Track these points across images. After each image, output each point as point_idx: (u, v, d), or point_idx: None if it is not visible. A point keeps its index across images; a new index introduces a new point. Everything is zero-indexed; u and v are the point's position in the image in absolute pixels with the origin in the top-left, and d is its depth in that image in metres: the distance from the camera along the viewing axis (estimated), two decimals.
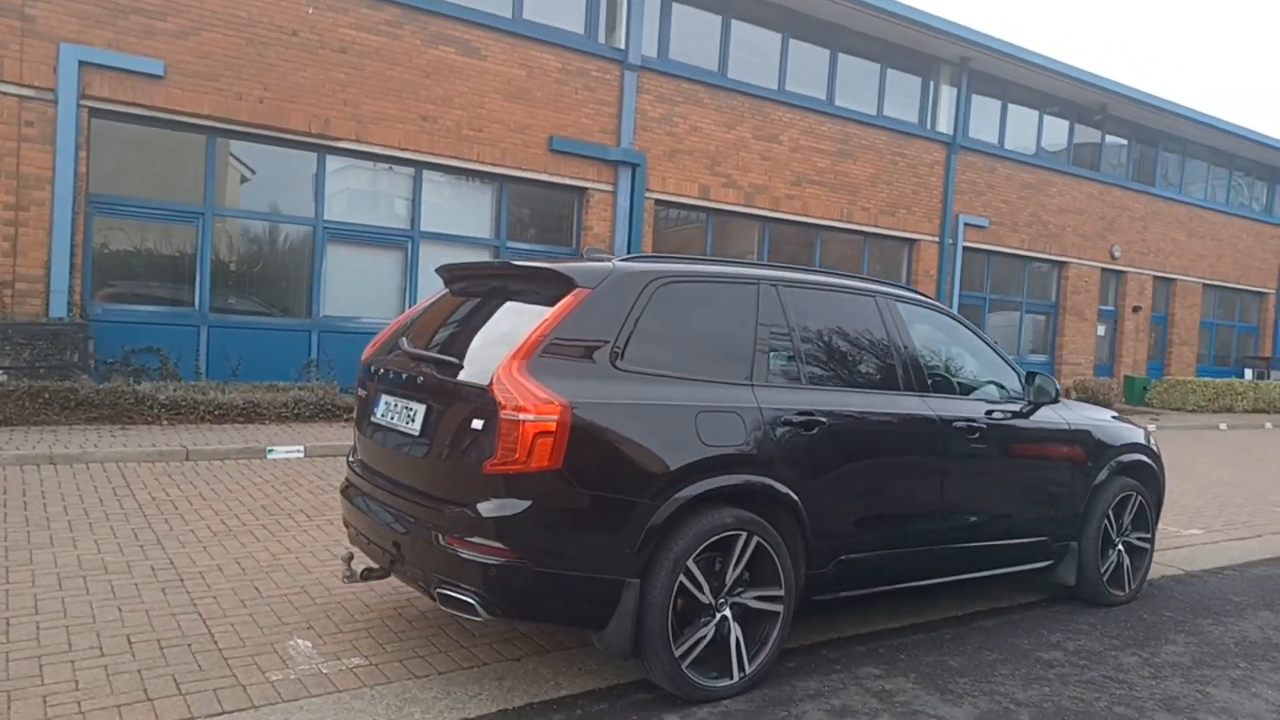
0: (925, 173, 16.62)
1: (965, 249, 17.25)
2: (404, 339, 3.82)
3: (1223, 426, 17.33)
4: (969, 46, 15.98)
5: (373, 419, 3.94)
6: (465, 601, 3.25)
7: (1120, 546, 5.21)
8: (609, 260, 3.76)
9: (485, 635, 4.10)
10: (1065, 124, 19.31)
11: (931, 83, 16.75)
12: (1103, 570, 5.08)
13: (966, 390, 4.72)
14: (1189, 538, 7.18)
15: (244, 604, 4.33)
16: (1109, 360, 20.65)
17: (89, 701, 3.25)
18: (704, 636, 3.51)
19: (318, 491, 6.79)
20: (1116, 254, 20.14)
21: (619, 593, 3.31)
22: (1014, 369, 4.97)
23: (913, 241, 16.69)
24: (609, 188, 13.00)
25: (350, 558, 3.88)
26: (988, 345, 4.96)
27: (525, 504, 3.19)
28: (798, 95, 14.85)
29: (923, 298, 4.76)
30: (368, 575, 3.93)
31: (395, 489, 3.68)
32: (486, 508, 3.23)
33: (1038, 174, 18.49)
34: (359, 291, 11.44)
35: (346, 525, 4.16)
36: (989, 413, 4.58)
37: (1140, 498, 5.31)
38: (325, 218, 11.06)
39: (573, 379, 3.31)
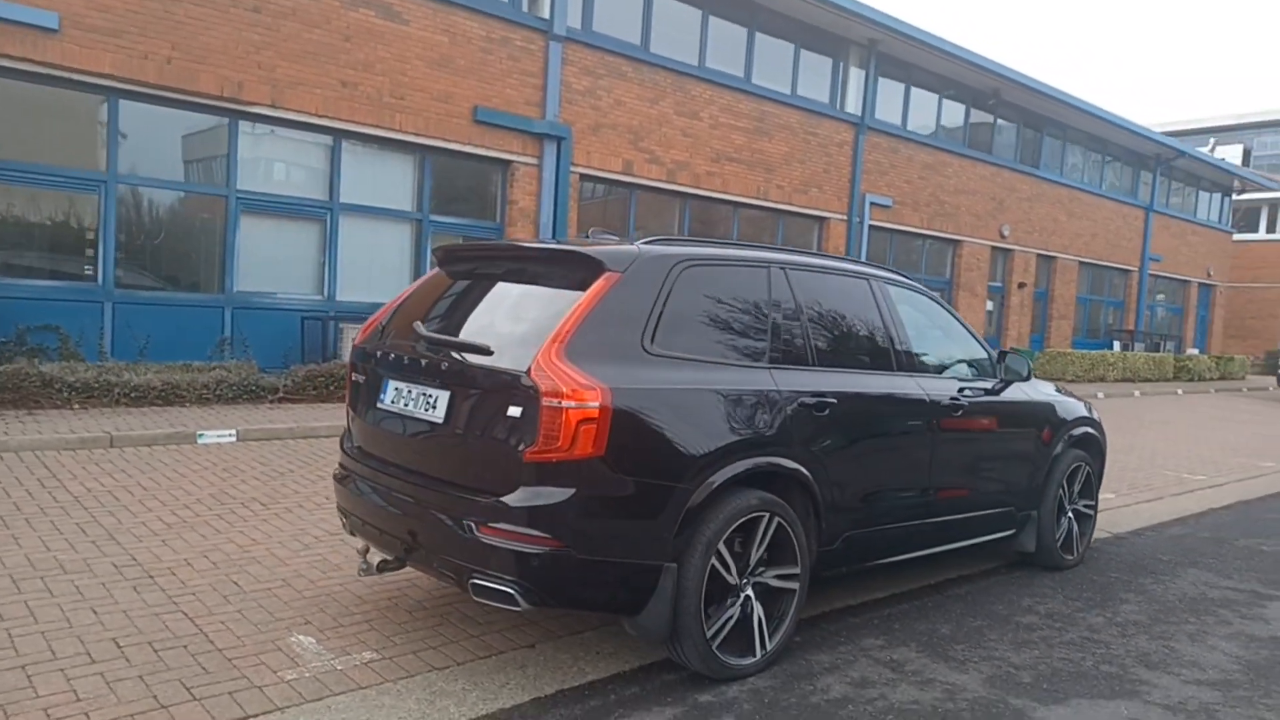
0: (835, 152, 17.04)
1: (871, 227, 17.82)
2: (419, 323, 3.68)
3: (1101, 395, 18.59)
4: (877, 29, 16.39)
5: (379, 405, 3.79)
6: (504, 592, 3.19)
7: (1070, 514, 5.56)
8: (625, 242, 3.72)
9: (491, 623, 4.04)
10: (962, 108, 20.12)
11: (842, 64, 17.13)
12: (1057, 537, 5.42)
13: (945, 368, 4.91)
14: (1105, 502, 7.70)
15: (228, 600, 4.13)
16: (997, 334, 21.79)
17: (99, 713, 3.04)
18: (731, 617, 3.56)
19: (264, 478, 6.49)
20: (1005, 233, 21.22)
21: (657, 577, 3.33)
22: (984, 347, 5.21)
23: (823, 219, 17.11)
24: (534, 161, 12.78)
25: (367, 550, 3.74)
26: (960, 324, 5.17)
27: (568, 492, 3.15)
28: (717, 72, 14.93)
29: (904, 278, 4.91)
30: (384, 567, 3.79)
31: (412, 477, 3.57)
32: (527, 496, 3.17)
33: (936, 155, 19.23)
34: (275, 266, 10.90)
35: (344, 514, 4.01)
36: (964, 390, 4.79)
37: (1088, 468, 5.67)
38: (238, 187, 10.46)
39: (610, 364, 3.28)
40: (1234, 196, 32.27)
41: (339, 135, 11.14)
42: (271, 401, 9.16)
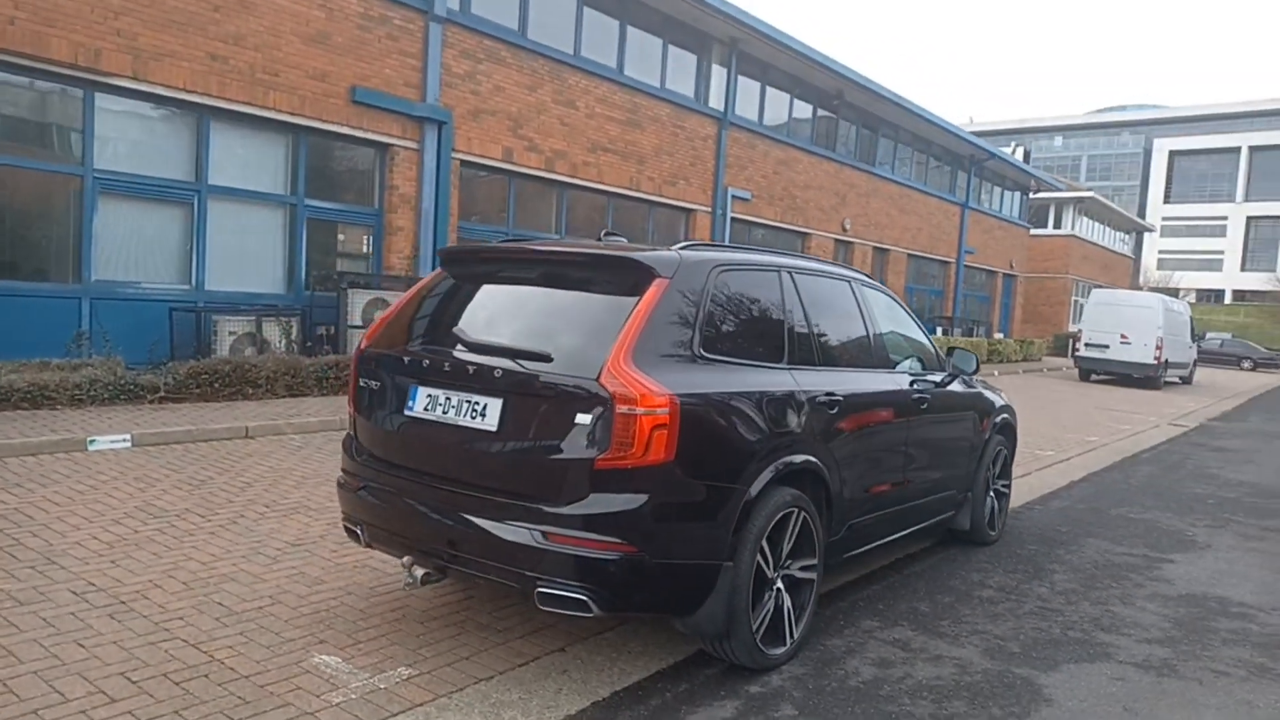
0: (700, 146, 17.49)
1: (732, 219, 18.44)
2: (461, 329, 3.58)
3: None
4: (738, 26, 16.90)
5: (407, 413, 3.66)
6: (576, 599, 3.20)
7: (992, 493, 6.12)
8: (661, 247, 3.78)
9: (509, 629, 4.01)
10: (810, 107, 21.15)
11: (706, 60, 17.57)
12: (985, 515, 5.95)
13: (901, 362, 5.27)
14: None
15: (222, 623, 3.87)
16: None
17: None
18: (769, 609, 3.73)
19: (185, 488, 6.02)
20: (847, 226, 22.54)
21: (716, 576, 3.43)
22: (931, 342, 5.64)
23: (690, 211, 17.55)
24: (414, 145, 12.35)
25: (411, 563, 3.60)
26: (914, 320, 5.56)
27: (642, 497, 3.20)
28: (593, 62, 14.95)
29: (870, 279, 5.23)
30: (426, 580, 3.67)
31: (454, 486, 3.48)
32: (600, 503, 3.19)
33: (789, 152, 20.13)
34: (138, 253, 9.97)
35: (358, 524, 3.84)
36: (918, 382, 5.16)
37: (1006, 451, 6.26)
38: (96, 166, 9.49)
39: (670, 370, 3.35)
40: (1030, 195, 35.75)
41: (207, 112, 10.32)
42: (152, 402, 8.43)
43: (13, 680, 3.22)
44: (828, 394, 4.09)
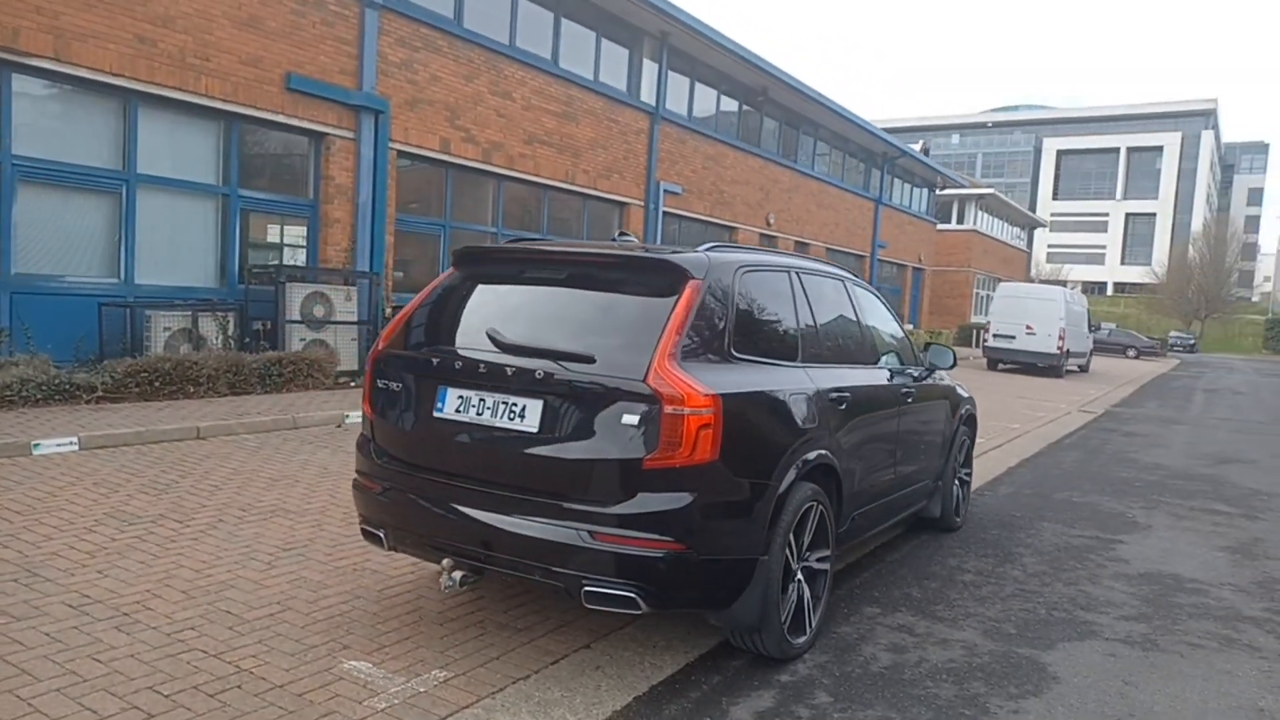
0: (634, 140, 17.55)
1: (664, 213, 18.58)
2: (494, 331, 3.55)
3: None
4: (668, 20, 16.99)
5: (437, 415, 3.62)
6: (624, 597, 3.24)
7: (958, 481, 6.40)
8: (687, 249, 3.83)
9: (529, 627, 4.01)
10: (736, 103, 21.45)
11: (638, 54, 17.62)
12: (953, 503, 6.23)
13: (883, 356, 5.47)
14: None
15: (236, 631, 3.75)
16: None
17: None
18: (793, 601, 3.84)
19: (152, 492, 5.77)
20: (771, 221, 22.98)
21: (753, 570, 3.52)
22: (907, 337, 5.86)
23: (624, 205, 17.60)
24: (351, 135, 12.02)
25: (452, 566, 3.55)
26: (893, 315, 5.76)
27: (690, 496, 3.26)
28: (528, 54, 14.82)
29: (856, 276, 5.40)
30: (464, 581, 3.63)
31: (492, 488, 3.47)
32: (648, 502, 3.24)
33: (717, 147, 20.39)
34: (62, 245, 9.43)
35: (380, 528, 3.78)
36: (904, 376, 5.37)
37: (968, 441, 6.56)
38: (14, 152, 8.92)
39: (708, 370, 3.41)
40: (936, 191, 37.12)
41: (135, 97, 9.82)
42: (89, 402, 8.01)
43: (37, 699, 3.06)
44: (837, 390, 4.23)
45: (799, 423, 3.84)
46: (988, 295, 42.17)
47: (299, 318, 10.89)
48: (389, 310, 12.49)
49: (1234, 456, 11.26)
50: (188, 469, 6.43)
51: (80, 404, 7.97)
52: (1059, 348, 23.86)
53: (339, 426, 8.66)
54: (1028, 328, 24.29)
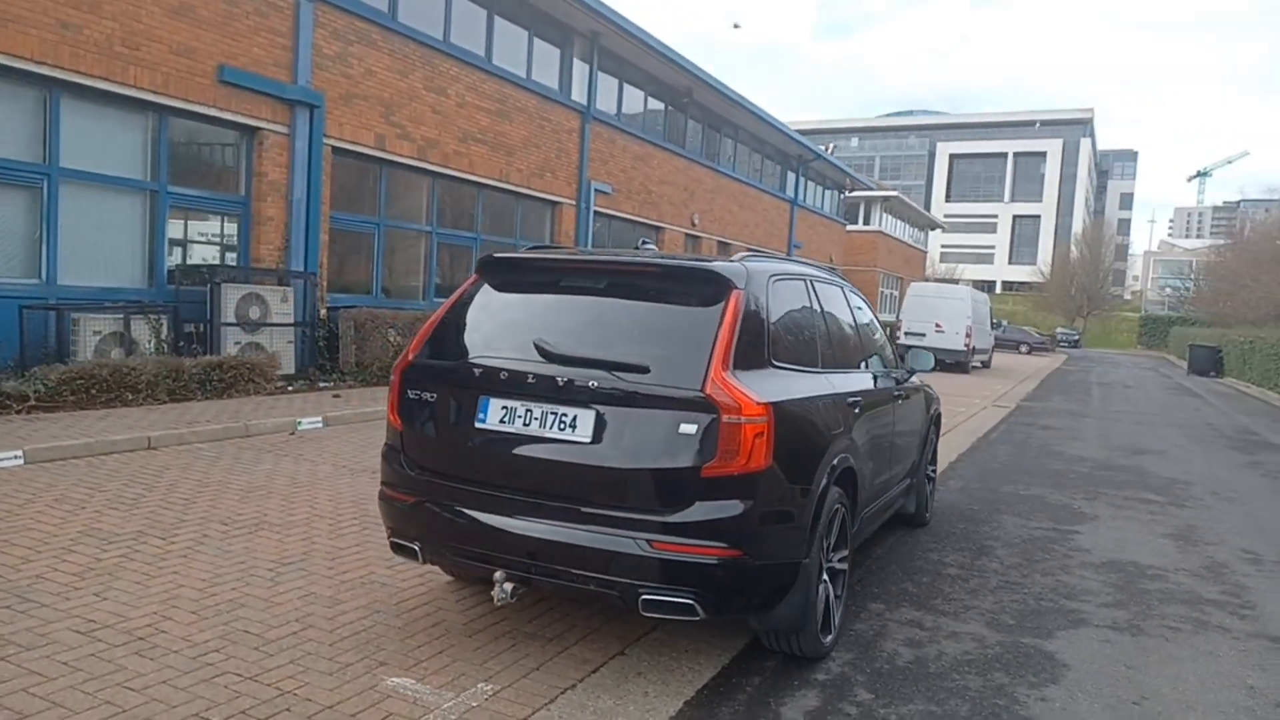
0: (565, 139, 17.49)
1: (595, 213, 18.58)
2: (542, 342, 3.53)
3: None
4: (599, 20, 16.98)
5: (479, 425, 3.58)
6: (681, 604, 3.28)
7: (926, 478, 6.67)
8: (723, 257, 3.89)
9: (558, 635, 4.01)
10: (663, 105, 21.62)
11: (569, 53, 17.57)
12: (926, 499, 6.49)
13: (870, 360, 5.65)
14: None
15: (264, 651, 3.63)
16: None
17: None
18: (822, 600, 3.95)
19: (121, 508, 5.48)
20: (696, 221, 23.25)
21: (796, 573, 3.61)
22: (887, 340, 6.06)
23: (556, 204, 17.52)
24: (285, 130, 11.60)
25: (504, 578, 3.51)
26: (875, 318, 5.96)
27: (746, 503, 3.32)
28: (463, 50, 14.60)
29: (847, 281, 5.57)
30: (514, 593, 3.58)
31: (542, 498, 3.46)
32: (708, 510, 3.29)
33: (645, 147, 20.50)
34: None
35: (414, 542, 3.71)
36: (884, 380, 5.55)
37: (936, 438, 6.83)
38: None
39: (756, 378, 3.48)
40: (845, 194, 38.23)
41: (58, 87, 9.25)
42: (20, 412, 7.52)
43: None
44: (852, 395, 4.36)
45: (831, 428, 3.95)
46: (892, 294, 43.71)
47: (234, 320, 10.47)
48: (324, 311, 12.15)
49: (1145, 448, 12.03)
50: (150, 482, 6.12)
51: (12, 414, 7.47)
52: (966, 344, 24.94)
53: (292, 434, 8.38)
54: (937, 326, 25.30)
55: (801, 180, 31.19)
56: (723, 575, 3.30)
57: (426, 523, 3.68)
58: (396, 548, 3.81)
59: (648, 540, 3.28)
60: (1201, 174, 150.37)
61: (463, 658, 3.72)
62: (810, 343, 4.21)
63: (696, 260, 3.86)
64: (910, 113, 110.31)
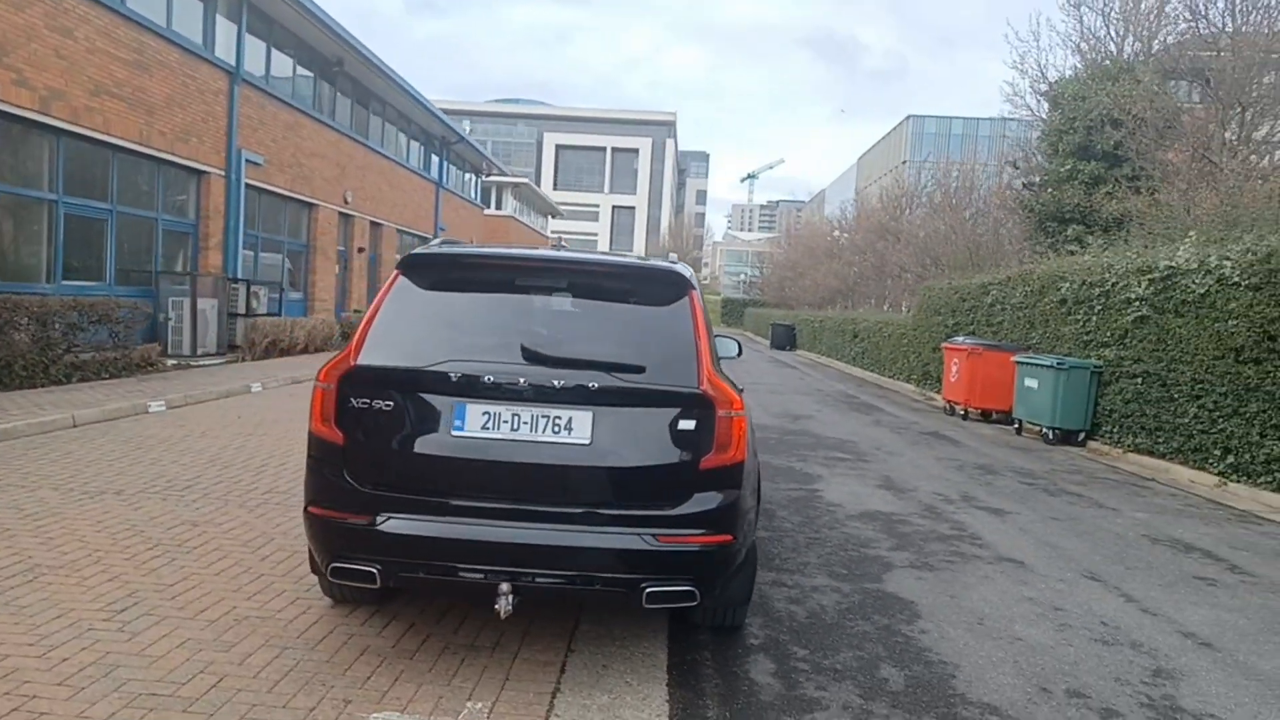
0: (213, 101, 15.51)
1: (246, 185, 16.75)
2: (528, 344, 3.36)
3: None
4: None
5: (456, 434, 3.33)
6: (683, 592, 3.40)
7: None
8: (661, 258, 4.01)
9: (502, 645, 3.89)
10: (313, 73, 20.05)
11: (213, 6, 15.59)
12: None
13: None
14: None
15: (196, 714, 3.06)
16: (342, 297, 22.53)
17: None
18: None
19: (41, 529, 4.06)
20: (349, 199, 21.97)
21: (753, 551, 3.91)
22: None
23: (203, 173, 15.46)
24: None
25: (509, 591, 3.25)
26: None
27: (736, 491, 3.52)
28: None
29: None
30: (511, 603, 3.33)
31: (538, 504, 3.34)
32: (707, 500, 3.43)
33: (296, 116, 18.89)
34: None
35: (370, 563, 3.35)
36: None
37: None
38: None
39: (722, 375, 3.70)
40: (482, 177, 38.56)
41: None
42: None
43: None
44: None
45: None
46: None
47: None
48: None
49: (798, 413, 14.06)
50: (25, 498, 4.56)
51: None
52: None
53: None
54: None
55: (445, 163, 30.85)
56: (718, 560, 3.48)
57: (389, 543, 3.34)
58: (342, 573, 3.40)
59: (653, 535, 3.35)
60: (751, 176, 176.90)
61: (425, 681, 3.46)
62: (717, 338, 4.49)
63: (650, 261, 3.94)
64: (517, 100, 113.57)
